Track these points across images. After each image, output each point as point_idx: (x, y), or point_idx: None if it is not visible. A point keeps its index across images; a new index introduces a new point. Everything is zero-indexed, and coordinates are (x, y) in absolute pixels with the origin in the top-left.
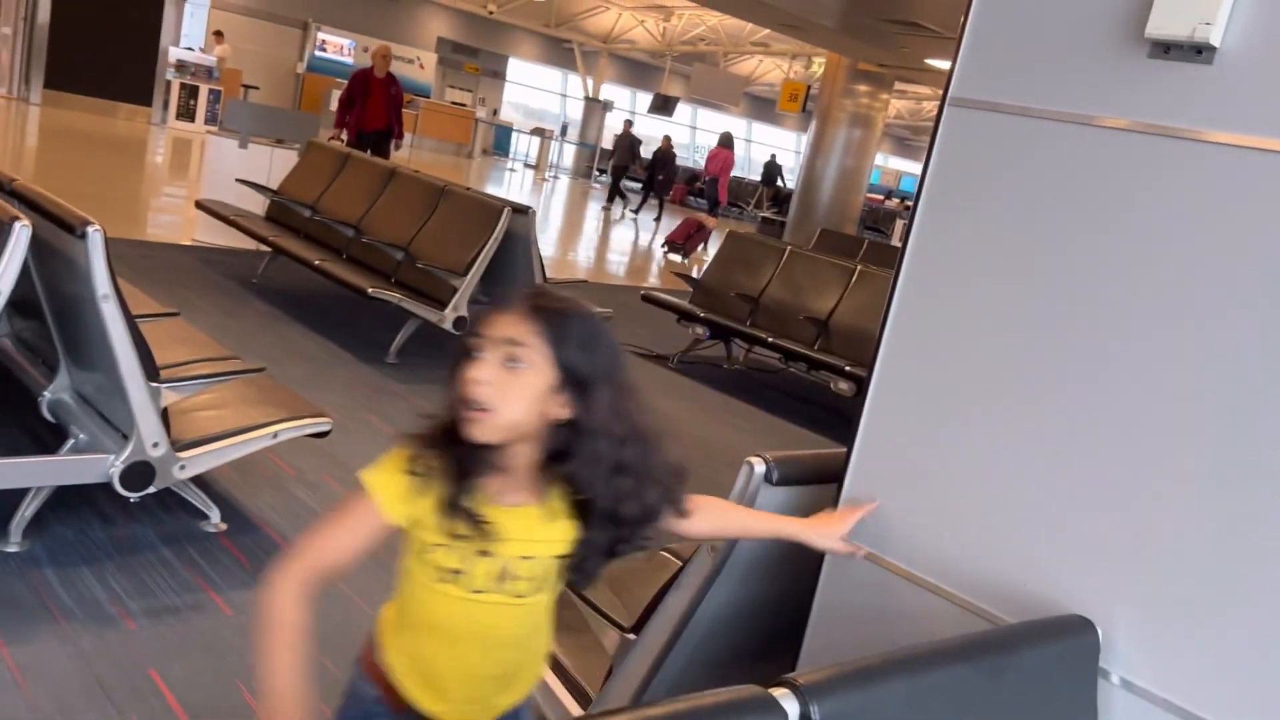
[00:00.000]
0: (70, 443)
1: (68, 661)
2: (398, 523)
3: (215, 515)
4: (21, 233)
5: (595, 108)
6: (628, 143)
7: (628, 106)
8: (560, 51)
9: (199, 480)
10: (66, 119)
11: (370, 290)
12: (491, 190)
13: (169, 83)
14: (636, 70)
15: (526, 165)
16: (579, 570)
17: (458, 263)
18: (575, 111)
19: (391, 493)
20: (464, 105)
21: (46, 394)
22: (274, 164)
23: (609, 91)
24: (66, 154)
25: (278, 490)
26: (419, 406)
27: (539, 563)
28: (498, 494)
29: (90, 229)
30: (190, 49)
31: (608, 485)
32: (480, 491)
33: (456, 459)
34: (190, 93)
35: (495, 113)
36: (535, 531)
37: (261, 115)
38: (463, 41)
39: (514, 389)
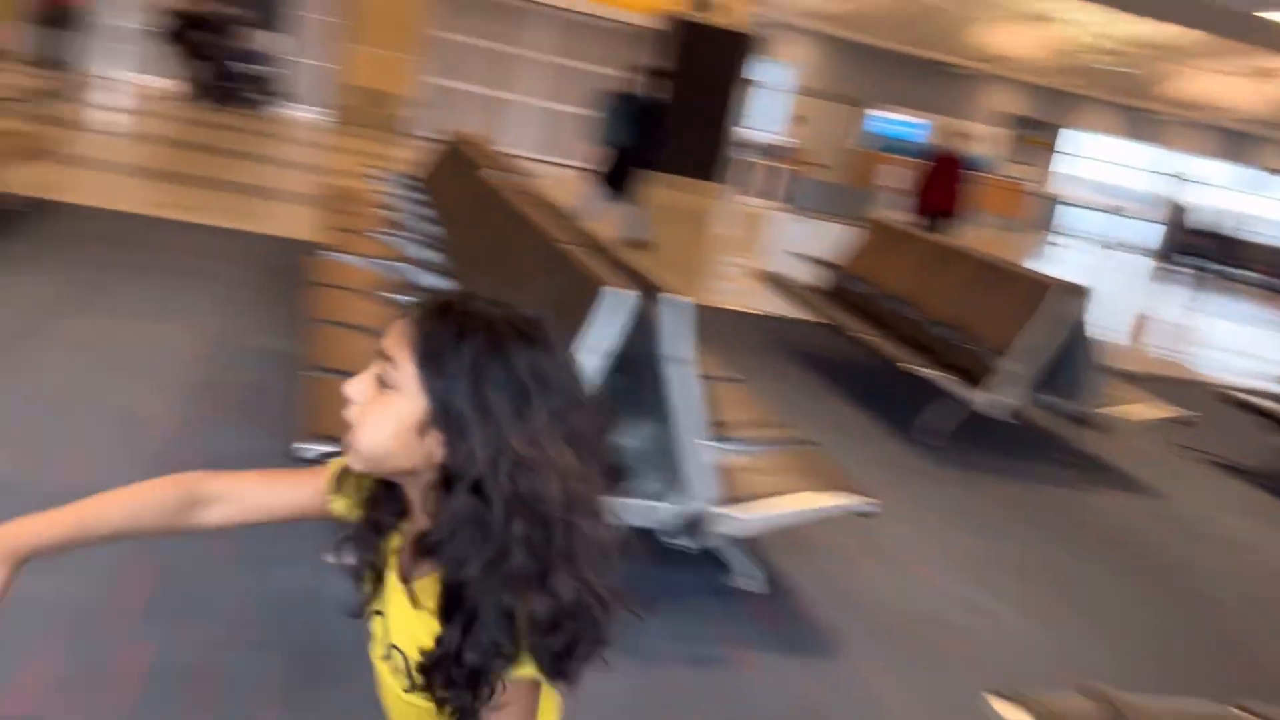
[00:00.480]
0: (628, 487)
1: (605, 683)
2: (334, 510)
3: (760, 578)
4: (627, 300)
5: (1169, 181)
6: (1176, 217)
7: (1218, 180)
8: (1135, 121)
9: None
10: (658, 195)
11: (900, 364)
12: (1041, 267)
13: (739, 161)
14: (1230, 140)
15: (1098, 244)
16: (427, 686)
17: (998, 341)
18: (1148, 184)
19: (337, 481)
20: (1021, 179)
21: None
22: (827, 237)
23: (1197, 164)
24: (658, 227)
25: (808, 560)
26: (952, 491)
27: (407, 660)
28: (401, 551)
29: (668, 297)
30: (756, 129)
31: (488, 568)
32: (389, 538)
33: (371, 488)
34: (755, 169)
35: (1050, 185)
36: (402, 617)
37: (824, 191)
38: (1025, 114)
39: (376, 412)
